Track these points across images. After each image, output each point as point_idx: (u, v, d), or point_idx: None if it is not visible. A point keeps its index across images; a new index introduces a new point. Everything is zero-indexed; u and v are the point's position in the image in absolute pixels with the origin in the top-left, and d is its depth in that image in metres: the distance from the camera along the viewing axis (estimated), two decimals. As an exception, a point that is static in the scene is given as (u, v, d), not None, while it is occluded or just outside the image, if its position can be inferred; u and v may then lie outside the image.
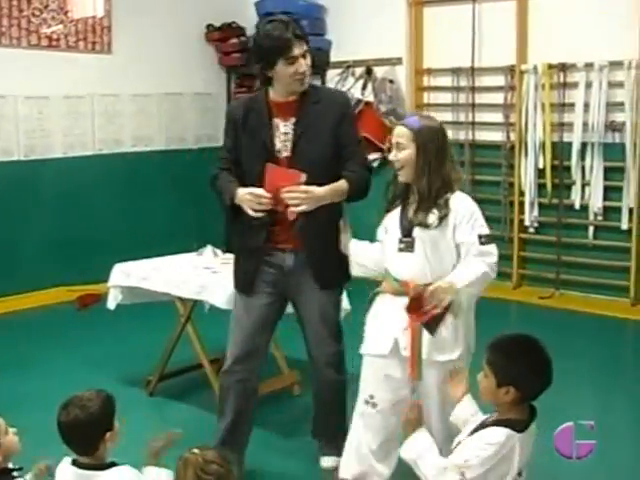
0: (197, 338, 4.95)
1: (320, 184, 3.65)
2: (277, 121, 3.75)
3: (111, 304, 5.10)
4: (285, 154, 3.74)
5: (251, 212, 3.65)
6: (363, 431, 3.57)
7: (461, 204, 3.33)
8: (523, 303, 7.36)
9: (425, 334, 3.32)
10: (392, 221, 3.44)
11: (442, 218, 3.29)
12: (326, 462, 4.07)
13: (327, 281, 3.84)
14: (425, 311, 3.25)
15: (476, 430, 2.86)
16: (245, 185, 3.72)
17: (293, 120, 3.74)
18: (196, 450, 2.47)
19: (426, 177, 3.29)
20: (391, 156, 3.41)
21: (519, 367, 2.77)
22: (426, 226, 3.30)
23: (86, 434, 2.69)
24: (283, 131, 3.75)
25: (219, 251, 5.37)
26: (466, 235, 3.29)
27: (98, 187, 7.86)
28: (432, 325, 3.30)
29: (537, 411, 2.87)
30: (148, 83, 8.20)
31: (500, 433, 2.73)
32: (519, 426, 2.76)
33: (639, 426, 4.82)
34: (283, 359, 5.15)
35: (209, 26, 8.70)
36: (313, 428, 4.17)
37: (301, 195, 3.57)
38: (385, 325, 3.45)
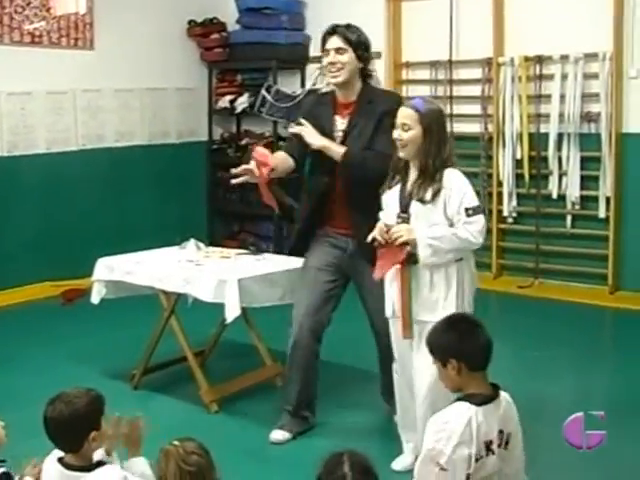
0: (181, 331, 4.98)
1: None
2: (337, 117, 4.30)
3: (95, 298, 5.13)
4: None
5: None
6: (395, 385, 3.97)
7: (452, 180, 3.61)
8: (503, 293, 7.42)
9: (414, 294, 3.63)
10: (391, 198, 3.75)
11: (436, 193, 3.59)
12: None
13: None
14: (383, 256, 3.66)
15: None
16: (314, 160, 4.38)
17: (348, 118, 4.25)
18: (176, 442, 2.50)
19: (431, 156, 3.60)
20: (395, 135, 3.68)
21: (449, 337, 2.89)
22: (423, 201, 3.60)
23: (70, 431, 2.67)
24: (340, 128, 4.27)
25: (202, 244, 5.40)
26: (455, 209, 3.57)
27: (81, 182, 7.88)
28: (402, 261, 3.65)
29: (500, 387, 2.93)
30: (130, 78, 8.22)
31: (455, 408, 2.79)
32: (477, 399, 2.80)
33: (618, 409, 4.90)
34: (266, 351, 5.21)
35: (191, 22, 8.72)
36: (382, 392, 4.53)
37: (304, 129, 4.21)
38: (387, 290, 3.82)
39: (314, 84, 7.90)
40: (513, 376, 5.54)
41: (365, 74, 4.33)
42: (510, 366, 5.81)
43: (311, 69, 8.42)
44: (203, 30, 8.71)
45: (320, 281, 4.33)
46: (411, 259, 3.60)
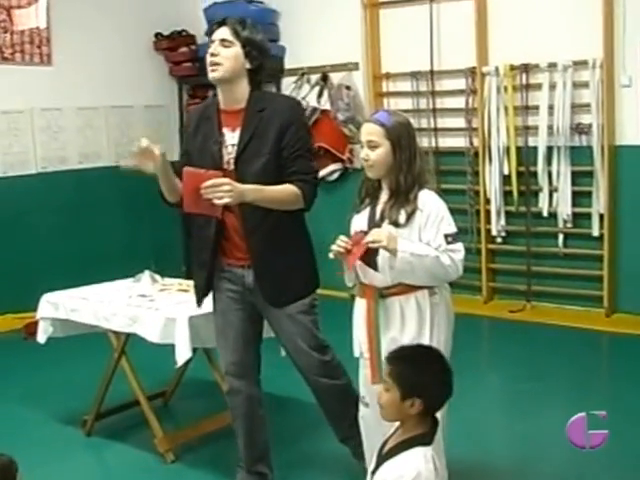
0: (132, 373, 4.61)
1: None
2: (225, 130, 3.68)
3: (41, 338, 4.81)
4: (232, 166, 3.63)
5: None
6: (363, 433, 3.61)
7: (427, 203, 3.32)
8: (494, 318, 7.11)
9: (383, 335, 3.33)
10: (360, 221, 3.43)
11: (410, 215, 3.29)
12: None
13: (279, 299, 3.72)
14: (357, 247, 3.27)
15: (391, 454, 2.70)
16: None
17: (239, 131, 3.64)
18: None
19: (403, 173, 3.31)
20: (362, 154, 3.38)
21: (425, 377, 2.69)
22: (397, 224, 3.30)
23: None
24: (230, 142, 3.66)
25: (158, 276, 5.03)
26: (432, 236, 3.28)
27: (43, 208, 7.59)
28: (365, 259, 3.32)
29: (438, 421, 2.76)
30: (94, 95, 7.93)
31: (416, 456, 2.63)
32: (427, 438, 2.68)
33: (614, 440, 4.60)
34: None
35: (157, 35, 8.49)
36: (335, 434, 4.11)
37: (224, 187, 3.36)
38: (355, 328, 3.51)
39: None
40: (503, 413, 5.23)
41: (257, 80, 3.71)
42: (500, 401, 5.53)
43: (287, 82, 8.15)
44: (171, 43, 8.48)
45: (231, 325, 3.83)
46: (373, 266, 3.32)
